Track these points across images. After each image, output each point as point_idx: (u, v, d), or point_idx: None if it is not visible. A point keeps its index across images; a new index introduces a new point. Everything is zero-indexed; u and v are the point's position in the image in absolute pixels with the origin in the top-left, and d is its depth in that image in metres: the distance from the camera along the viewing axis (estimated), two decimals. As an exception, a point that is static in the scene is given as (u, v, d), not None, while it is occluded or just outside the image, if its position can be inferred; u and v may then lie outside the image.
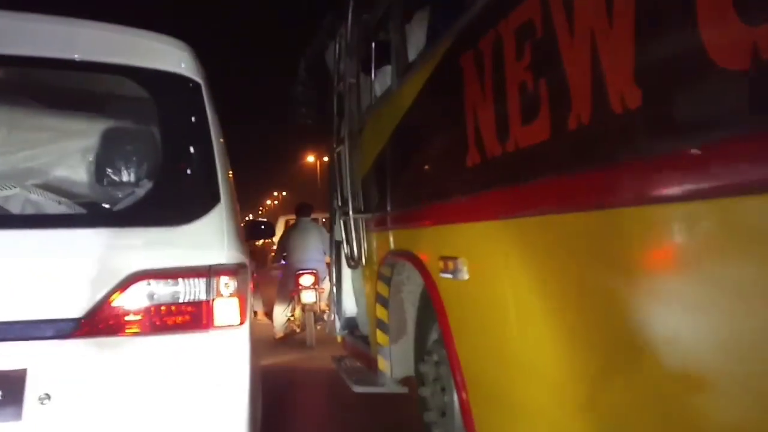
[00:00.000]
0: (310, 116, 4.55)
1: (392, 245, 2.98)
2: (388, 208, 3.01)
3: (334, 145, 3.92)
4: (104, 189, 2.17)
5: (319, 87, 4.51)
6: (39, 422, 1.72)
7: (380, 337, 3.30)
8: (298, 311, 6.93)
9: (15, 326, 1.75)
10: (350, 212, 3.35)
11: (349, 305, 4.30)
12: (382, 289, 3.22)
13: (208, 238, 1.95)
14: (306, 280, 6.75)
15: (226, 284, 1.92)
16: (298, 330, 7.09)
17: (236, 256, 2.01)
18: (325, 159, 46.18)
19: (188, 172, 2.06)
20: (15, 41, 1.93)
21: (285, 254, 7.19)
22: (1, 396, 1.69)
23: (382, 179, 3.11)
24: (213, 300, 1.90)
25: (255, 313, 8.20)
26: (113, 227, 1.91)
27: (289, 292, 6.96)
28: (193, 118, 2.07)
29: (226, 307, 1.92)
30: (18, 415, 1.70)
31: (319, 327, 6.87)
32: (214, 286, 1.90)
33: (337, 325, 4.38)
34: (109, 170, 2.17)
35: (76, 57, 1.99)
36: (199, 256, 1.92)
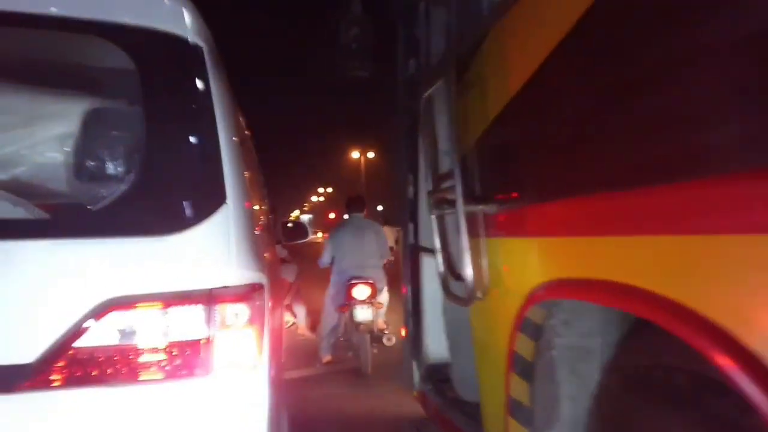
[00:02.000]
0: (367, 66, 3.05)
1: (556, 268, 1.47)
2: (552, 192, 1.48)
3: (422, 87, 2.37)
4: (85, 186, 1.73)
5: (378, 27, 3.09)
6: None
7: (515, 430, 1.79)
8: (353, 333, 5.43)
9: None
10: (459, 201, 1.82)
11: (435, 346, 2.81)
12: (524, 346, 1.70)
13: (210, 252, 1.51)
14: (360, 292, 5.27)
15: (235, 313, 1.51)
16: (350, 353, 5.64)
17: (249, 274, 1.58)
18: (370, 155, 45.91)
19: (182, 163, 1.60)
20: None
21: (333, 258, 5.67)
22: None
23: (534, 136, 1.57)
24: (215, 335, 1.48)
25: (295, 324, 6.84)
26: (81, 238, 1.47)
27: (339, 305, 5.51)
28: (190, 93, 1.63)
29: (233, 344, 1.51)
30: None
31: (376, 350, 5.45)
32: (218, 315, 1.48)
33: (415, 375, 2.89)
34: (91, 162, 1.75)
35: (28, 10, 1.56)
36: (196, 275, 1.48)
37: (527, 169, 1.60)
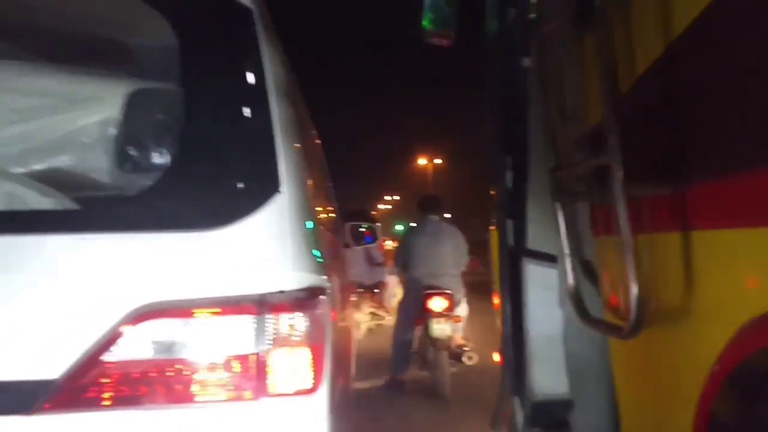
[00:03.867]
0: (448, 32, 2.47)
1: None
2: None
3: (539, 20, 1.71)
4: (128, 176, 1.52)
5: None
6: None
7: None
8: (428, 350, 4.84)
9: None
10: (616, 175, 1.10)
11: (546, 378, 2.17)
12: (729, 407, 1.06)
13: (261, 249, 1.29)
14: (437, 304, 4.68)
15: (291, 325, 1.27)
16: (425, 372, 5.01)
17: (310, 277, 1.35)
18: (437, 161, 45.19)
19: (228, 145, 1.37)
20: None
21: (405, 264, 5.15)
22: None
23: None
24: (268, 351, 1.25)
25: (384, 311, 6.75)
26: (113, 232, 1.28)
27: (414, 317, 4.93)
28: (238, 62, 1.42)
29: (289, 363, 1.27)
30: None
31: (455, 369, 4.82)
32: (271, 327, 1.25)
33: (517, 414, 2.26)
34: (134, 150, 1.54)
35: None
36: (245, 278, 1.26)
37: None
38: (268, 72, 1.43)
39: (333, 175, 3.30)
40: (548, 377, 2.17)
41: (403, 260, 5.18)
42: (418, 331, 5.01)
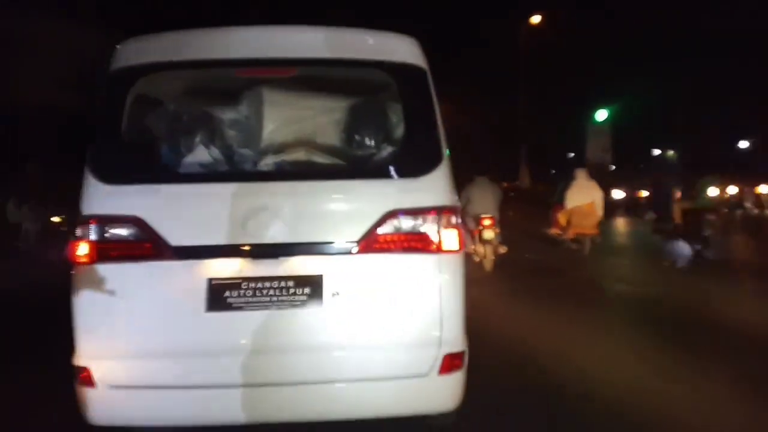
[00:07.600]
0: None
1: None
2: None
3: None
4: (353, 151, 2.74)
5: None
6: (333, 308, 2.35)
7: None
8: (479, 247, 8.43)
9: (315, 245, 2.38)
10: None
11: None
12: None
13: (436, 187, 2.47)
14: (487, 221, 8.19)
15: (449, 220, 2.43)
16: (477, 259, 8.49)
17: (454, 200, 2.52)
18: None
19: (422, 137, 2.53)
20: (292, 47, 2.55)
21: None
22: (310, 291, 2.34)
23: None
24: (441, 231, 2.41)
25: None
26: (375, 179, 2.49)
27: (474, 229, 8.30)
28: (423, 97, 2.55)
29: (450, 236, 2.43)
30: (320, 304, 2.34)
31: (494, 257, 8.31)
32: (442, 220, 2.41)
33: None
34: (356, 137, 2.75)
35: (341, 56, 2.56)
36: (431, 199, 2.43)
37: None
38: (434, 102, 2.50)
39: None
40: None
41: (465, 202, 8.12)
42: (475, 239, 8.25)
